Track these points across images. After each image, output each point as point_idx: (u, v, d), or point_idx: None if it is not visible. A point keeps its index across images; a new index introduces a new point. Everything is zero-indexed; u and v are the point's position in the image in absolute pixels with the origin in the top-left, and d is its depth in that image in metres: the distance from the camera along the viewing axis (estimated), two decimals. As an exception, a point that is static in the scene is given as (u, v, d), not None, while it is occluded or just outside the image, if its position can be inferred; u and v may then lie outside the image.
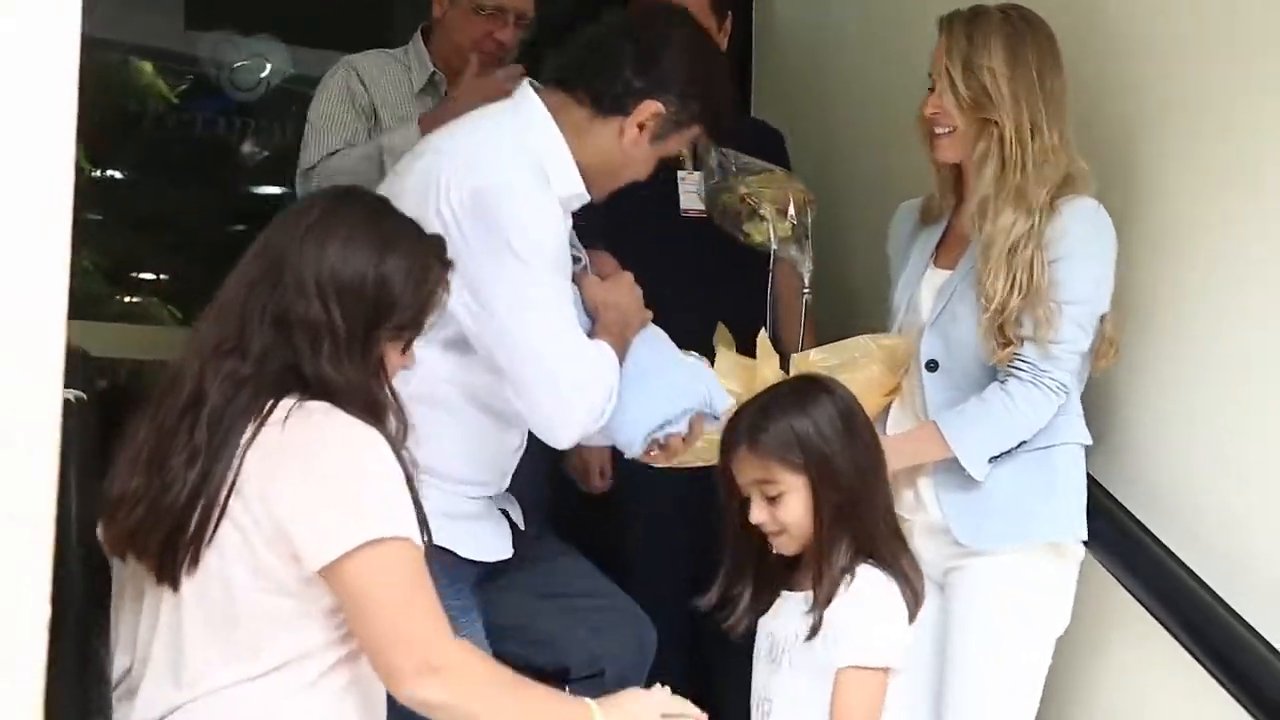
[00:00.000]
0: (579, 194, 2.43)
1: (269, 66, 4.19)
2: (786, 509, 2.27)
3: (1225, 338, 2.66)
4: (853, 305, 3.33)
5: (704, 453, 2.52)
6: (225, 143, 4.21)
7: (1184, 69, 2.77)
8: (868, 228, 3.22)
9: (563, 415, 2.32)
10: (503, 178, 2.31)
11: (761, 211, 2.90)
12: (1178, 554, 2.64)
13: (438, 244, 2.06)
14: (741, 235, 2.93)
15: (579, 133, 2.41)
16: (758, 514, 2.28)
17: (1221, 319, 2.67)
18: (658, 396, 2.42)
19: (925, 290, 2.76)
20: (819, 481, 2.26)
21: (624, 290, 2.50)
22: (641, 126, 2.40)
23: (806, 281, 2.92)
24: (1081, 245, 2.60)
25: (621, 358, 2.41)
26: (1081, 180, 2.63)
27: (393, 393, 1.98)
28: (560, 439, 2.36)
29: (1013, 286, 2.56)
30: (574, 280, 2.43)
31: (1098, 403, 2.76)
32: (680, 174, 3.22)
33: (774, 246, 2.90)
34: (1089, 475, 2.69)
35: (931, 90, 2.68)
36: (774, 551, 2.32)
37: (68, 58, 1.28)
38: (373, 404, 1.93)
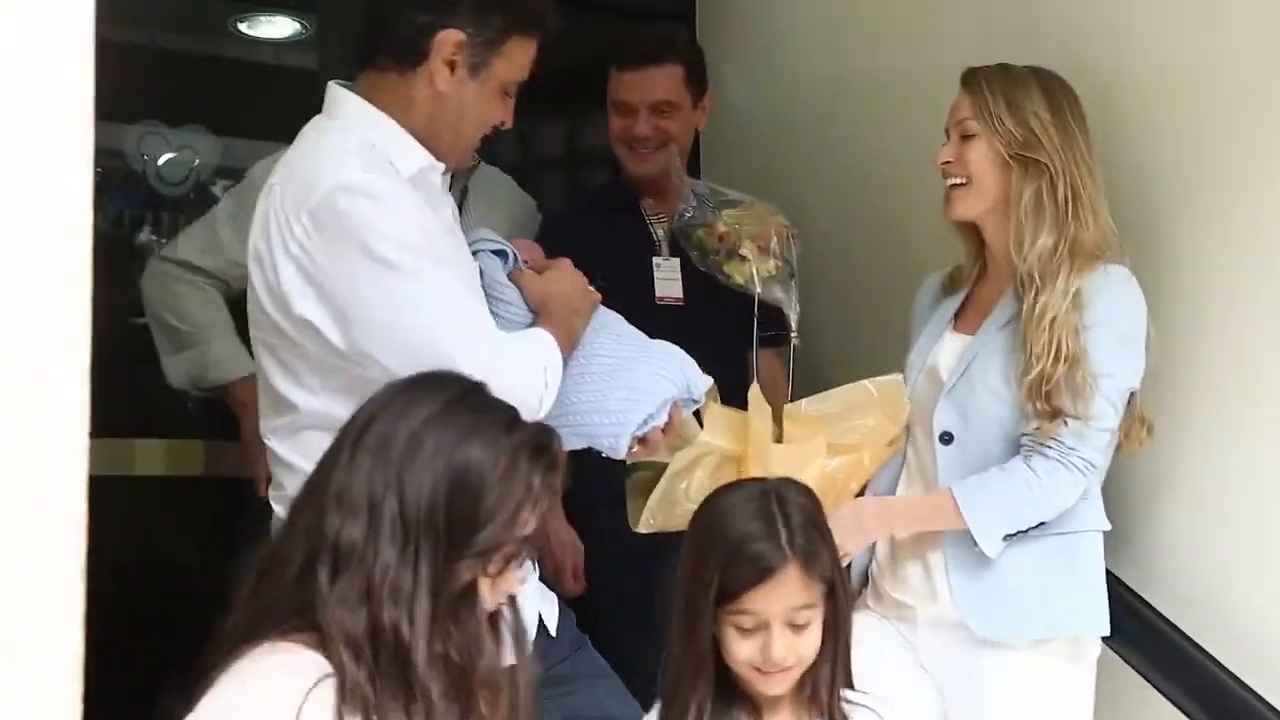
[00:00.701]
0: (429, 165, 2.28)
1: (197, 159, 4.04)
2: (808, 639, 2.00)
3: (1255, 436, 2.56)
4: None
5: (678, 443, 2.42)
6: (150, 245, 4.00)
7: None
8: (829, 300, 3.14)
9: None
10: (335, 183, 2.15)
11: (742, 250, 2.74)
12: (1210, 652, 2.52)
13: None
14: (722, 276, 2.77)
15: (400, 102, 2.27)
16: (781, 649, 1.94)
17: (1255, 411, 2.57)
18: (638, 389, 2.29)
19: (943, 355, 2.66)
20: (836, 605, 2.02)
21: (564, 278, 2.37)
22: (450, 64, 2.26)
23: (793, 324, 2.77)
24: (1112, 314, 2.50)
25: (572, 345, 2.28)
26: (1114, 246, 2.54)
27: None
28: None
29: (1057, 352, 2.44)
30: (510, 278, 2.30)
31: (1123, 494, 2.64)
32: (655, 260, 3.12)
33: (757, 289, 2.73)
34: (1112, 572, 2.55)
35: (947, 136, 2.62)
36: (755, 689, 2.00)
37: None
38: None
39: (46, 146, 1.23)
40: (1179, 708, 2.55)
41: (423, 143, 2.28)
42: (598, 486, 2.90)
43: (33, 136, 1.23)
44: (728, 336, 2.87)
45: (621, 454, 2.32)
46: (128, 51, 3.70)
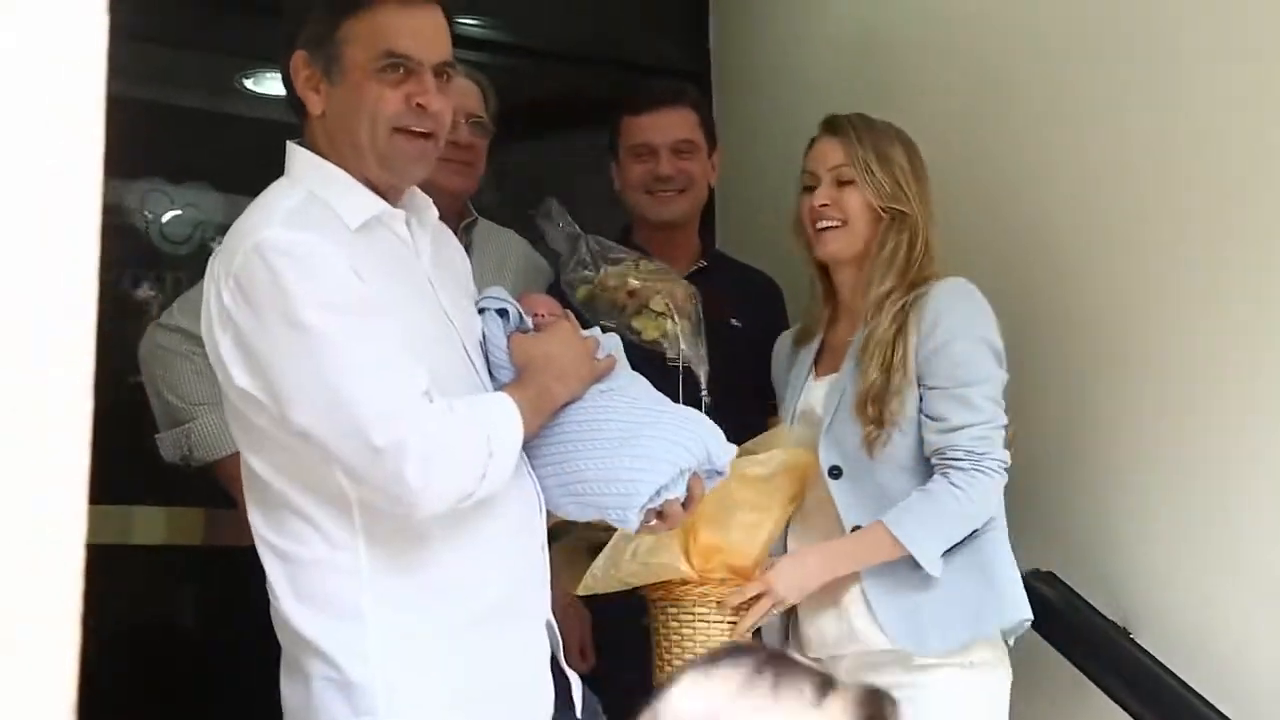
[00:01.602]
0: (384, 212, 2.16)
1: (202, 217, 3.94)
2: None
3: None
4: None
5: (659, 571, 2.37)
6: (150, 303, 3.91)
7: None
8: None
9: (394, 478, 1.97)
10: (253, 244, 2.02)
11: (653, 305, 2.63)
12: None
13: None
14: (629, 333, 2.62)
15: (322, 143, 2.18)
16: None
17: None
18: (649, 458, 2.17)
19: (813, 401, 2.75)
20: None
21: (557, 340, 2.26)
22: (311, 83, 2.15)
23: (704, 382, 2.66)
24: (967, 322, 2.65)
25: (546, 412, 2.16)
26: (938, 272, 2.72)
27: None
28: (410, 510, 2.03)
29: (882, 364, 2.60)
30: (508, 339, 2.19)
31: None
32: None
33: (682, 347, 2.61)
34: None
35: (810, 190, 2.74)
36: None
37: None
38: None
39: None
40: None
41: (362, 175, 2.16)
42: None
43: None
44: (742, 400, 2.80)
45: (632, 526, 2.20)
46: (131, 107, 3.62)
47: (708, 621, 2.58)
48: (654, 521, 2.21)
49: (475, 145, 3.09)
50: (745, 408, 2.85)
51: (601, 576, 2.53)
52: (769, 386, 3.00)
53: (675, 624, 2.59)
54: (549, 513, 2.25)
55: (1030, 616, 2.65)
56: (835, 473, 2.66)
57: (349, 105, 2.15)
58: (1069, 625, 2.88)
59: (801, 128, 3.76)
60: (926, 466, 2.65)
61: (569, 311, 2.48)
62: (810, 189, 2.76)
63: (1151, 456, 2.85)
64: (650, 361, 2.60)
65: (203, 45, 3.92)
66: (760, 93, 3.99)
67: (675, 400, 2.49)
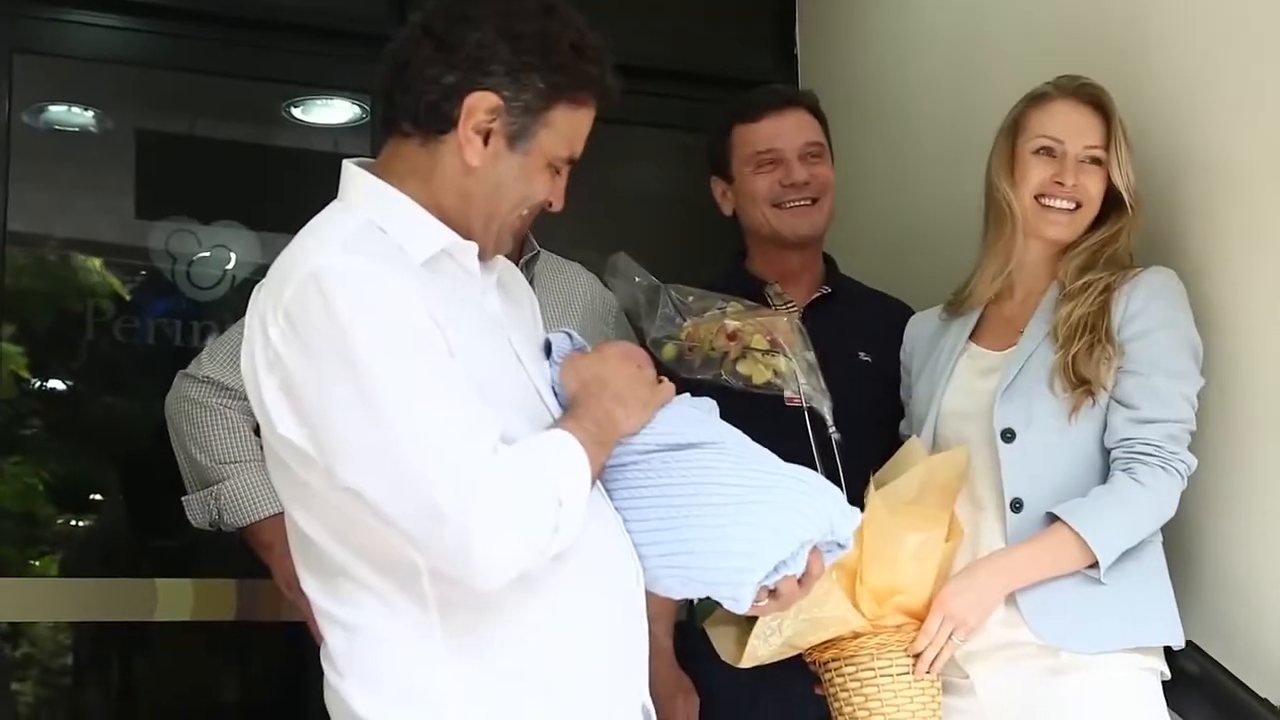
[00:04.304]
0: (453, 244, 1.95)
1: (234, 258, 3.71)
2: None
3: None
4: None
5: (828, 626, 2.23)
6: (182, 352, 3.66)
7: None
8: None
9: (461, 544, 1.76)
10: (308, 272, 1.82)
11: (755, 345, 2.37)
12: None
13: None
14: (737, 380, 2.36)
15: (422, 174, 1.96)
16: None
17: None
18: (767, 527, 1.92)
19: (979, 369, 2.65)
20: None
21: (608, 361, 2.03)
22: (484, 134, 1.94)
23: (829, 419, 2.40)
24: (1174, 314, 2.56)
25: (613, 440, 1.96)
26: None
27: None
28: (481, 578, 1.80)
29: (1093, 338, 2.51)
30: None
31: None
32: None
33: (801, 382, 2.36)
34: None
35: (1049, 154, 2.61)
36: None
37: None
38: None
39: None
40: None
41: (451, 221, 1.98)
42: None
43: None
44: (879, 443, 2.59)
45: (744, 608, 1.95)
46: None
47: (891, 676, 2.40)
48: (765, 601, 1.98)
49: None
50: (881, 448, 2.59)
51: (765, 642, 2.34)
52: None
53: (855, 684, 2.41)
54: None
55: (1183, 643, 2.52)
56: (1008, 435, 2.55)
57: (513, 179, 1.98)
58: (1212, 701, 2.62)
59: (895, 133, 3.67)
60: (1102, 452, 2.53)
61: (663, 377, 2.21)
62: (1047, 153, 2.62)
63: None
64: (762, 407, 2.33)
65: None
66: (852, 101, 3.78)
67: (805, 443, 2.31)
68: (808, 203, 2.93)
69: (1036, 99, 2.67)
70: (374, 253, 1.87)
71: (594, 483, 1.93)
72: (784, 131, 2.93)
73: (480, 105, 1.93)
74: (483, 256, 2.02)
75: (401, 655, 1.88)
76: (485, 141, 1.94)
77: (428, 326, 1.84)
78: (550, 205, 2.04)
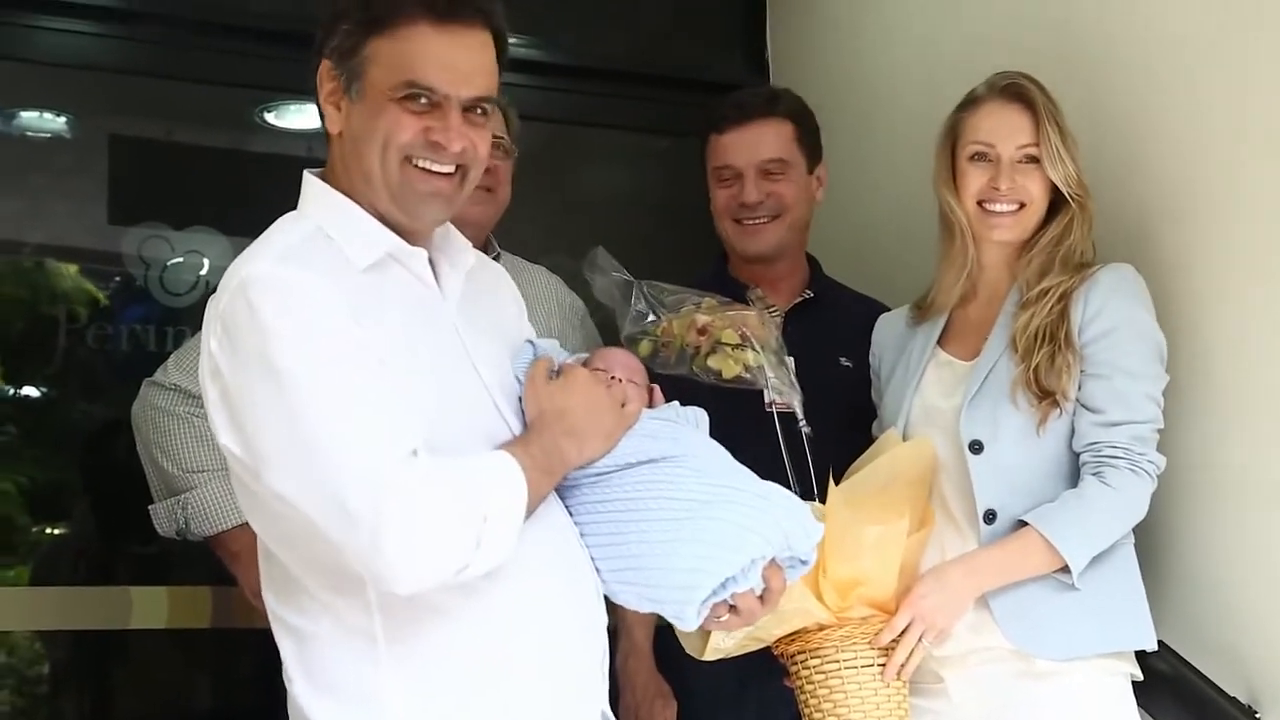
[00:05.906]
0: (397, 249, 1.97)
1: (207, 264, 3.70)
2: None
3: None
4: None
5: (791, 618, 2.17)
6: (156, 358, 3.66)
7: None
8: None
9: (373, 544, 1.75)
10: (239, 280, 1.85)
11: (725, 339, 2.38)
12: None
13: None
14: (708, 375, 2.36)
15: (339, 168, 2.01)
16: None
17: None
18: (713, 544, 1.92)
19: (945, 377, 2.62)
20: None
21: (574, 390, 2.02)
22: (333, 98, 1.98)
23: (800, 414, 2.38)
24: (1133, 313, 2.54)
25: (558, 473, 1.96)
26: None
27: None
28: (396, 581, 1.79)
29: (1054, 346, 2.48)
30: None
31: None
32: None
33: (770, 376, 2.35)
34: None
35: (983, 159, 2.59)
36: None
37: None
38: None
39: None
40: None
41: (375, 208, 1.98)
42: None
43: None
44: (844, 445, 2.54)
45: (691, 625, 1.95)
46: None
47: (857, 668, 2.41)
48: (725, 616, 1.99)
49: (496, 168, 2.80)
50: (859, 453, 2.57)
51: (728, 635, 2.33)
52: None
53: (821, 676, 2.41)
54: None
55: (1155, 646, 2.52)
56: (976, 448, 2.52)
57: (365, 127, 1.97)
58: (1183, 701, 2.63)
59: (867, 134, 3.67)
60: (1071, 456, 2.52)
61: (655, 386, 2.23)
62: (981, 159, 2.60)
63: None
64: (742, 411, 2.34)
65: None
66: (823, 103, 3.74)
67: (774, 439, 2.29)
68: (764, 220, 2.92)
69: (967, 104, 2.66)
70: (305, 261, 1.88)
71: (536, 507, 1.92)
72: (742, 148, 2.92)
73: (323, 77, 1.98)
74: (417, 240, 2.02)
75: (347, 659, 1.90)
76: (337, 108, 1.98)
77: (351, 333, 1.84)
78: (435, 143, 1.97)
